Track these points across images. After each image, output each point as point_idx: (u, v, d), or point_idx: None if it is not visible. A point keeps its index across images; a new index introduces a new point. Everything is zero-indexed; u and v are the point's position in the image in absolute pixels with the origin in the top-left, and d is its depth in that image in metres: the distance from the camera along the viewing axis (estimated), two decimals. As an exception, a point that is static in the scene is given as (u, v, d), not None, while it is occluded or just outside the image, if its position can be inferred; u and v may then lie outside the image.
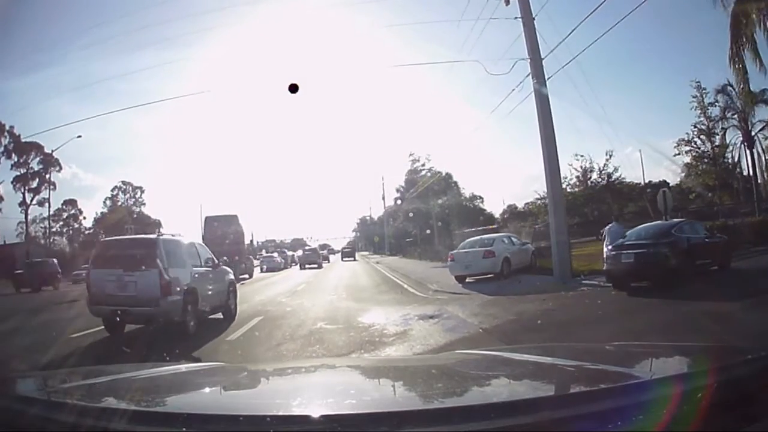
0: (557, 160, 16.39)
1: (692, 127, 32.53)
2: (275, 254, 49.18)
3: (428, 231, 42.01)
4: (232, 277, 12.95)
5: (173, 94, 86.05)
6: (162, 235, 11.38)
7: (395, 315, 10.83)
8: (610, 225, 15.23)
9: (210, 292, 11.04)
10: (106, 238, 12.77)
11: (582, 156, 41.42)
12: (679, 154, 33.52)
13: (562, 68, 16.05)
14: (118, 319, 9.81)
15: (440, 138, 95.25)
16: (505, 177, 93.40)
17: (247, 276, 29.99)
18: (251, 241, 57.42)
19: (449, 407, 1.53)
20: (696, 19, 57.92)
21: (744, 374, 1.56)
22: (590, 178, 41.99)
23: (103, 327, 10.04)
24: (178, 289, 9.77)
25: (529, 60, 15.58)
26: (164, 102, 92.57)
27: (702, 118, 31.82)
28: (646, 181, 45.41)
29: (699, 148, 32.85)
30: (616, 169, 40.96)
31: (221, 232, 28.97)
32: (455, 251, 18.90)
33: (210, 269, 11.54)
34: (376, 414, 1.41)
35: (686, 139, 32.86)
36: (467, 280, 17.71)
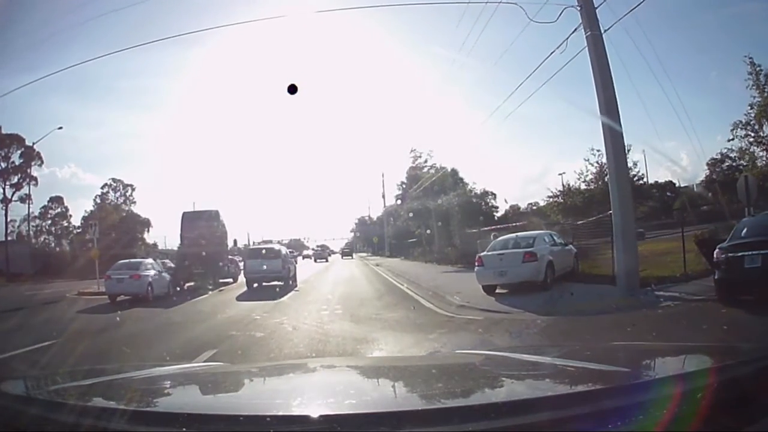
0: (621, 133, 12.86)
1: (749, 107, 30.17)
2: None
3: (428, 231, 40.40)
4: (296, 264, 26.52)
5: (171, 93, 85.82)
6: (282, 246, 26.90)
7: (414, 353, 7.50)
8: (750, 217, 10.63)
9: (293, 269, 24.54)
10: (253, 246, 24.95)
11: (599, 150, 39.55)
12: (733, 138, 31.45)
13: (618, 21, 12.98)
14: (262, 281, 21.95)
15: (444, 134, 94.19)
16: (504, 177, 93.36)
17: (230, 280, 25.97)
18: (234, 242, 55.61)
19: (449, 407, 1.53)
20: (697, 18, 57.85)
21: (744, 374, 1.56)
22: (607, 174, 40.21)
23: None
24: (286, 267, 22.77)
25: (579, 8, 12.98)
26: (163, 102, 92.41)
27: (759, 99, 29.74)
28: (652, 181, 45.12)
29: (758, 132, 28.58)
30: (635, 164, 39.72)
31: (200, 230, 25.30)
32: (484, 253, 15.19)
33: (291, 260, 25.22)
34: (376, 414, 1.41)
35: (743, 121, 30.49)
36: (497, 290, 14.10)
